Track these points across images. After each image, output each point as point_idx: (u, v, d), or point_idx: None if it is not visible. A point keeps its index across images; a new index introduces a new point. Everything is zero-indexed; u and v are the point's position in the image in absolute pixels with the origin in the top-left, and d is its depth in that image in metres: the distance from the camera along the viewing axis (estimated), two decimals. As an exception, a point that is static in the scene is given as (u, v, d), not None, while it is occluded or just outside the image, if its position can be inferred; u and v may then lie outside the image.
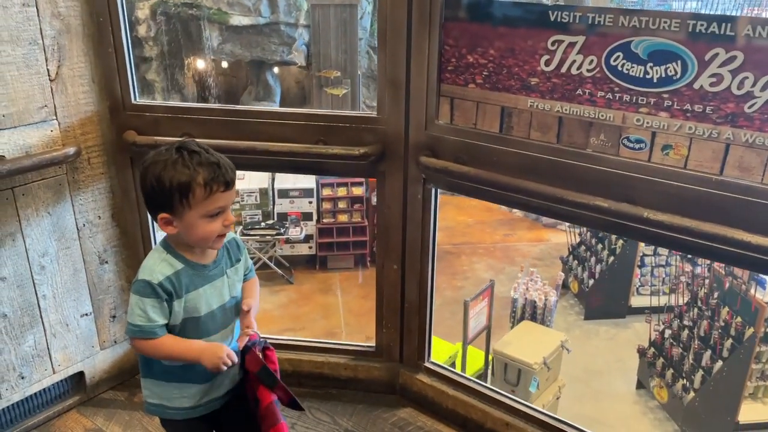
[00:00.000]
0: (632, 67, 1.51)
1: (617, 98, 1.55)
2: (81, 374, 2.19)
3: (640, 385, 5.93)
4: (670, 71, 1.46)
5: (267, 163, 2.08)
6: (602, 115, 1.58)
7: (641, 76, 1.50)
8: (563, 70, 1.61)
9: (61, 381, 2.14)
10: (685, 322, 5.58)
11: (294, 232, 7.51)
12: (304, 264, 7.90)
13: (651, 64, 1.48)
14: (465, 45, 1.76)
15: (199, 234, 1.38)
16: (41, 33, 1.82)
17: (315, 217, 7.83)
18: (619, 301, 6.79)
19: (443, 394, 2.15)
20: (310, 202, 7.76)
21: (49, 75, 1.86)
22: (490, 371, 5.20)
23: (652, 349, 5.83)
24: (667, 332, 5.73)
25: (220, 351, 1.39)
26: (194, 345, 1.42)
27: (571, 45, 1.58)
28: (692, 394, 5.25)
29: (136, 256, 2.21)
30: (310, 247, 7.88)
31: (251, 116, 2.05)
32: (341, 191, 7.67)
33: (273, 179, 7.72)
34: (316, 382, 2.29)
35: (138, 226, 2.18)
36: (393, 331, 2.22)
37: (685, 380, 5.36)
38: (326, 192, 7.65)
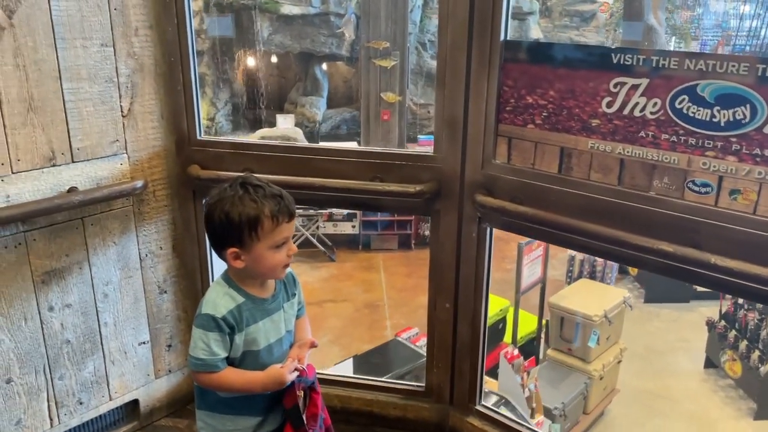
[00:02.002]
0: (698, 110, 1.48)
1: (682, 141, 1.52)
2: (136, 402, 2.22)
3: (710, 363, 5.56)
4: (739, 115, 1.43)
5: (324, 199, 2.12)
6: (666, 158, 1.56)
7: (708, 119, 1.47)
8: (626, 112, 1.60)
9: (117, 408, 2.18)
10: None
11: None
12: (347, 244, 7.89)
13: (718, 108, 1.45)
14: (524, 86, 1.77)
15: (268, 265, 1.41)
16: (117, 71, 1.92)
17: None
18: (682, 284, 6.45)
19: (494, 438, 2.10)
20: (355, 179, 7.65)
21: (121, 111, 1.95)
22: (543, 334, 4.95)
23: (723, 322, 5.48)
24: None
25: (282, 377, 1.43)
26: (258, 376, 1.44)
27: (634, 87, 1.57)
28: (771, 364, 4.90)
29: (193, 287, 2.26)
30: (353, 227, 7.81)
31: (310, 153, 2.10)
32: (388, 167, 7.47)
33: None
34: (364, 420, 2.27)
35: (197, 258, 2.23)
36: (444, 372, 2.19)
37: (761, 350, 4.99)
38: (372, 168, 7.45)
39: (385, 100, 9.03)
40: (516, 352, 4.39)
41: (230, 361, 1.44)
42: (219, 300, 1.42)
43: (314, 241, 7.37)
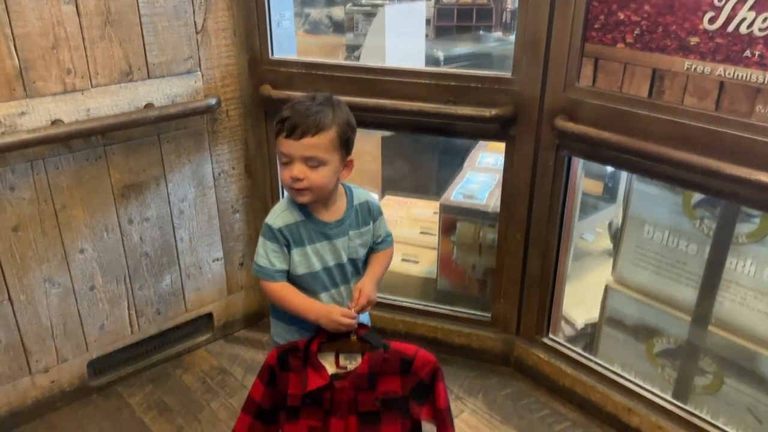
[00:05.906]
0: (818, 24, 1.32)
1: (795, 61, 1.37)
2: (210, 315, 2.32)
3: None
4: None
5: (395, 122, 2.06)
6: (774, 80, 1.41)
7: (828, 35, 1.31)
8: (730, 28, 1.45)
9: (192, 320, 2.28)
10: None
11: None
12: None
13: (842, 22, 1.29)
14: (616, 1, 1.63)
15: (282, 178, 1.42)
16: (190, -14, 1.89)
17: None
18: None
19: (560, 371, 2.07)
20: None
21: (195, 27, 1.94)
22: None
23: None
24: None
25: (336, 315, 1.40)
26: (314, 306, 1.43)
27: (742, 0, 1.41)
28: None
29: (264, 208, 2.28)
30: (426, 36, 7.38)
31: (381, 74, 2.03)
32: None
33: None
34: (428, 347, 2.24)
35: (268, 179, 2.25)
36: (511, 303, 2.16)
37: None
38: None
39: None
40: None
41: (291, 279, 1.45)
42: (279, 213, 1.44)
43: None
